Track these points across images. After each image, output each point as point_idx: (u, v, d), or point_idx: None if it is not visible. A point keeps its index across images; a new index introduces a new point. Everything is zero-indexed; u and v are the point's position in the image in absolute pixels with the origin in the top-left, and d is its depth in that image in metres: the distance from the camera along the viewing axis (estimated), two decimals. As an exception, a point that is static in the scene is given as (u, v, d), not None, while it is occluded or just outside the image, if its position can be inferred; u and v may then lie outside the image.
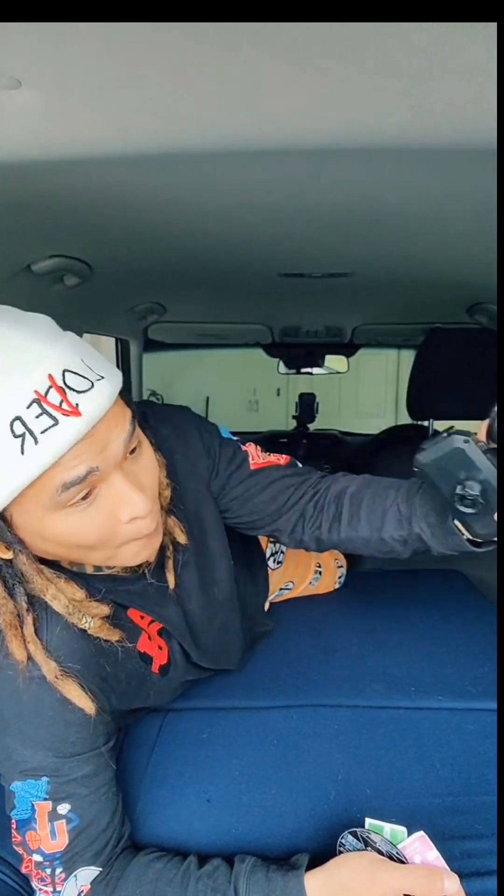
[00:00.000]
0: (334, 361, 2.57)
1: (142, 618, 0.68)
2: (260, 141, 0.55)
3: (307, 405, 2.49)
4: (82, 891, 0.55)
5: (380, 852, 0.53)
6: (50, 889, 0.54)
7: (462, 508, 0.55)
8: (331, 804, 0.65)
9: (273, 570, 1.07)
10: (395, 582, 1.24)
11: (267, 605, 1.06)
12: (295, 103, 0.49)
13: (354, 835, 0.55)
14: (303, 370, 2.60)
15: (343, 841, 0.55)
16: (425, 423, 1.61)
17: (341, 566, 1.22)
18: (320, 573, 1.15)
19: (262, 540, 1.02)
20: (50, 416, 0.46)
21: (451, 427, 0.58)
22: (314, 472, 0.82)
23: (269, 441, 2.49)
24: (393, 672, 0.88)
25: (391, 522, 0.71)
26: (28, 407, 0.46)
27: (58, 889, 0.54)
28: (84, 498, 0.50)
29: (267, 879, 0.53)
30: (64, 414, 0.47)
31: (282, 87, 0.46)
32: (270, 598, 1.08)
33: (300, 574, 1.12)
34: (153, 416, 0.72)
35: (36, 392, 0.46)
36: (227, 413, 5.15)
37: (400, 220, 0.84)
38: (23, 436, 0.46)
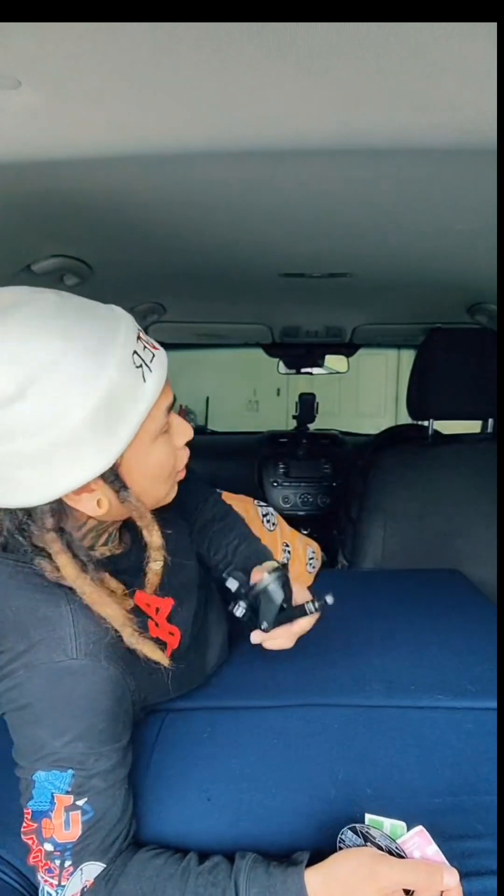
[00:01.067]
0: (334, 361, 2.57)
1: (147, 605, 0.69)
2: (260, 141, 0.55)
3: (307, 405, 2.48)
4: (86, 885, 0.55)
5: (379, 847, 0.54)
6: (55, 882, 0.54)
7: (236, 615, 0.73)
8: (331, 803, 0.65)
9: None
10: (395, 581, 1.24)
11: None
12: (295, 103, 0.49)
13: (354, 830, 0.55)
14: (303, 370, 2.59)
15: (343, 836, 0.55)
16: (425, 423, 1.61)
17: (312, 551, 1.22)
18: (289, 553, 1.15)
19: None
20: (150, 348, 0.58)
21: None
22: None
23: (269, 441, 2.49)
24: (393, 671, 0.88)
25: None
26: (137, 341, 0.56)
27: (63, 883, 0.54)
28: (165, 431, 0.61)
29: (267, 875, 0.53)
30: (154, 348, 0.59)
31: (282, 87, 0.46)
32: None
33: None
34: None
35: (137, 331, 0.57)
36: (227, 413, 5.15)
37: (400, 220, 0.84)
38: (141, 366, 0.56)
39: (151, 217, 0.81)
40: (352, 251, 1.03)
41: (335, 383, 4.99)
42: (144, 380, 0.55)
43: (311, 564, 1.20)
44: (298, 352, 2.45)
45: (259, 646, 0.94)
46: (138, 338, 0.56)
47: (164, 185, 0.69)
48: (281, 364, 2.57)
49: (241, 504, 1.09)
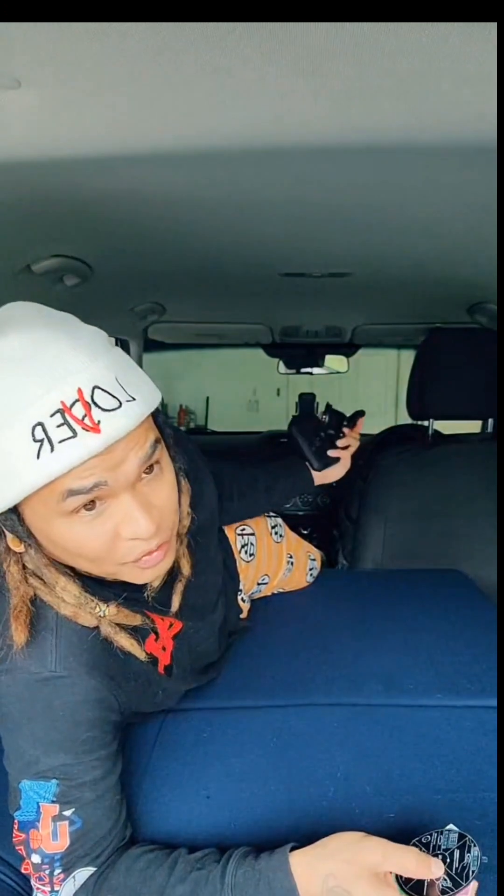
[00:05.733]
0: (334, 361, 2.57)
1: (162, 619, 0.69)
2: (260, 141, 0.55)
3: (307, 405, 2.48)
4: (78, 888, 0.55)
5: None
6: (48, 889, 0.54)
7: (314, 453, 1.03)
8: (330, 801, 0.65)
9: (247, 563, 1.07)
10: (395, 581, 1.24)
11: (248, 607, 1.06)
12: (295, 103, 0.49)
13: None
14: (303, 370, 2.60)
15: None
16: (425, 423, 1.61)
17: (314, 559, 1.22)
18: (292, 564, 1.15)
19: (230, 533, 1.03)
20: (70, 427, 0.48)
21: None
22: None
23: (269, 441, 2.50)
24: (392, 670, 0.88)
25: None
26: (52, 415, 0.48)
27: (56, 889, 0.54)
28: (89, 509, 0.52)
29: (255, 859, 0.54)
30: (84, 428, 0.48)
31: (282, 87, 0.46)
32: (249, 593, 1.08)
33: (273, 567, 1.12)
34: (187, 442, 0.77)
35: (62, 403, 0.48)
36: (227, 413, 5.15)
37: (400, 220, 0.85)
38: (41, 441, 0.48)
39: (151, 217, 0.81)
40: (352, 251, 1.04)
41: (335, 383, 4.99)
42: (38, 456, 0.47)
43: (310, 574, 1.20)
44: (298, 352, 2.45)
45: (258, 646, 0.95)
46: (63, 412, 0.48)
47: (164, 185, 0.69)
48: (281, 364, 2.57)
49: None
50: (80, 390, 0.48)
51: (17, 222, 0.77)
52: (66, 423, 0.48)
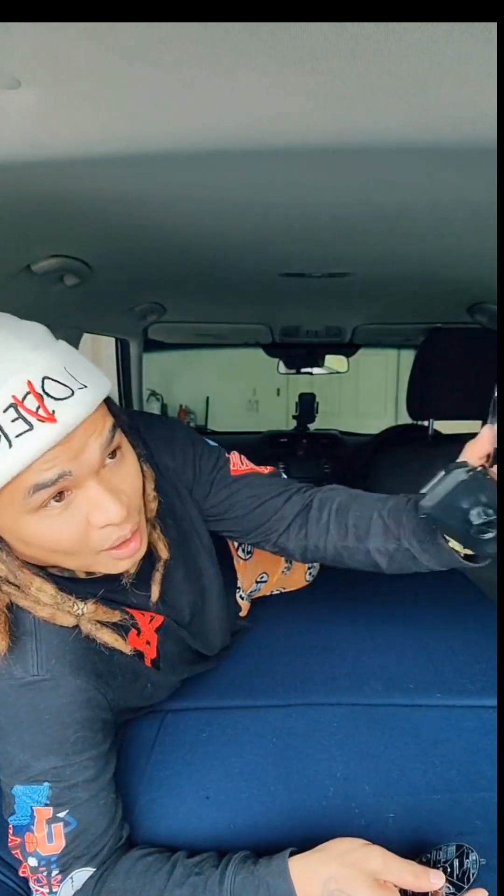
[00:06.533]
0: (334, 361, 2.58)
1: (142, 614, 0.68)
2: (260, 141, 0.55)
3: (307, 405, 2.49)
4: (77, 890, 0.55)
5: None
6: (46, 890, 0.55)
7: (482, 536, 0.57)
8: (329, 801, 0.65)
9: (245, 560, 1.06)
10: (395, 581, 1.24)
11: (247, 606, 1.06)
12: (295, 103, 0.49)
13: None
14: (303, 370, 2.60)
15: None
16: (425, 423, 1.61)
17: None
18: (290, 564, 1.15)
19: None
20: (25, 420, 0.47)
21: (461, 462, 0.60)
22: (296, 483, 0.83)
23: (269, 441, 2.50)
24: (392, 670, 0.88)
25: (376, 535, 0.73)
26: (4, 411, 0.47)
27: (54, 890, 0.55)
28: (57, 501, 0.51)
29: (254, 864, 0.54)
30: (39, 420, 0.48)
31: (282, 87, 0.46)
32: (248, 592, 1.08)
33: (271, 564, 1.12)
34: (143, 426, 0.74)
35: (13, 397, 0.47)
36: (227, 413, 5.15)
37: (400, 220, 0.84)
38: None
39: (151, 217, 0.81)
40: (352, 251, 1.03)
41: (335, 383, 4.99)
42: None
43: (310, 573, 1.20)
44: (298, 352, 2.46)
45: (258, 646, 0.94)
46: (16, 406, 0.47)
47: (164, 185, 0.69)
48: (281, 364, 2.57)
49: None
50: (29, 382, 0.48)
51: (17, 222, 0.77)
52: (20, 416, 0.47)
